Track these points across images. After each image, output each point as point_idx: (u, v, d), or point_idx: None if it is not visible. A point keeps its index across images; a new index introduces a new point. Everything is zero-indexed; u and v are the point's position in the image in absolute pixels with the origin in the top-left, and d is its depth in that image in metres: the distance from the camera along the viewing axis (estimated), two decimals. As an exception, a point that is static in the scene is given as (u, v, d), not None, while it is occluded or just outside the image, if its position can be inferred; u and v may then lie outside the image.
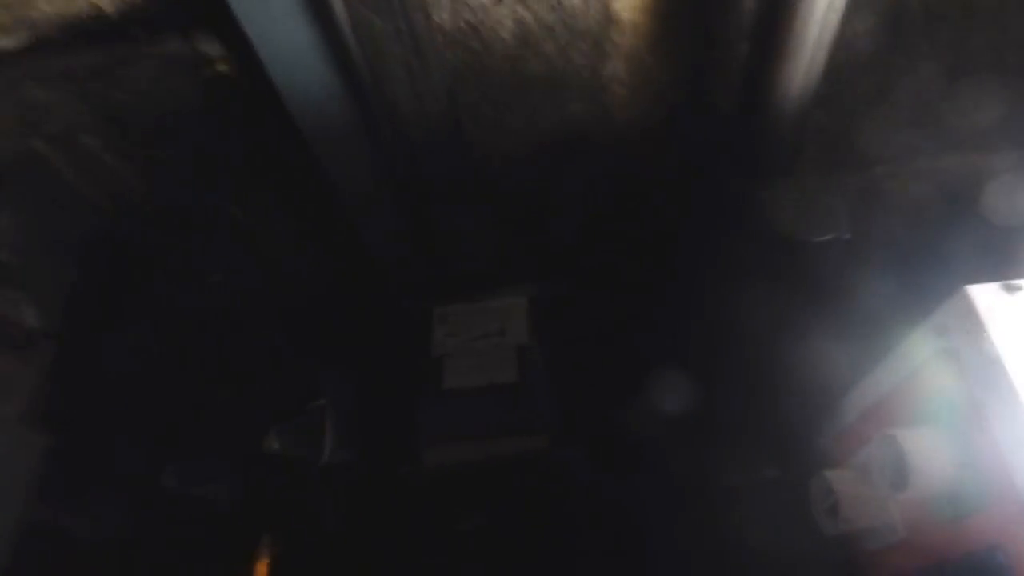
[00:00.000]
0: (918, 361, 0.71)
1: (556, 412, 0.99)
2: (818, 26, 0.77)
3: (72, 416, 0.86)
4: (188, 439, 0.90)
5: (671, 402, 1.07)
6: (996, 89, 0.91)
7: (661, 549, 1.05)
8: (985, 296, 0.63)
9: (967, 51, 0.91)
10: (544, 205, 1.06)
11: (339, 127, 0.86)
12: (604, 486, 1.02)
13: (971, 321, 0.63)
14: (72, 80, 0.83)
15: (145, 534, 0.95)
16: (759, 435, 1.06)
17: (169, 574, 1.02)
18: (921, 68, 0.92)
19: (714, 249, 0.98)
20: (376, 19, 0.81)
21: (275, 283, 1.08)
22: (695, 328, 1.03)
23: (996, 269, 0.64)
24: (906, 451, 0.65)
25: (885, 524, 0.76)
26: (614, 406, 1.06)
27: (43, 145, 0.89)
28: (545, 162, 1.04)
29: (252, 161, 0.95)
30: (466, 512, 0.97)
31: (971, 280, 0.63)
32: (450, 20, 0.84)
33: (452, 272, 1.09)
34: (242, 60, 0.82)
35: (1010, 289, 0.63)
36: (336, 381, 0.96)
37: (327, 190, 0.98)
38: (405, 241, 1.06)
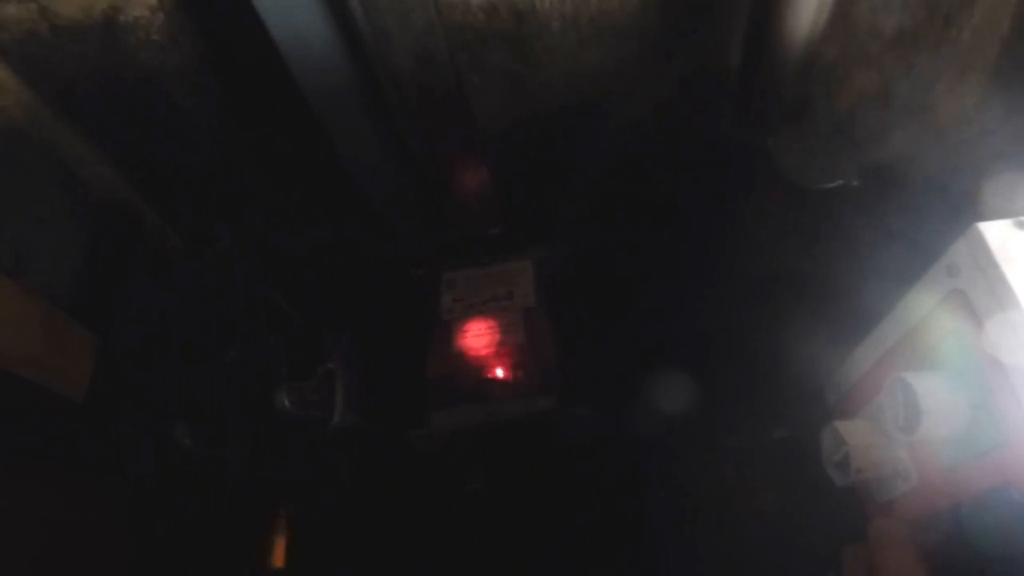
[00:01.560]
0: (929, 305, 0.70)
1: (563, 373, 0.99)
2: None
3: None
4: (199, 401, 0.91)
5: (676, 364, 1.06)
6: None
7: (667, 511, 1.05)
8: (997, 233, 0.61)
9: None
10: (550, 168, 1.05)
11: (338, 85, 0.86)
12: (611, 448, 1.02)
13: (983, 259, 0.61)
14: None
15: (160, 499, 0.97)
16: (766, 396, 1.05)
17: (186, 542, 1.04)
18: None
19: (719, 203, 0.97)
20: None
21: (280, 250, 1.08)
22: (700, 287, 1.03)
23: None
24: (917, 392, 0.65)
25: (897, 472, 0.75)
26: (620, 368, 1.06)
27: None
28: (551, 125, 1.04)
29: (251, 121, 0.95)
30: (474, 473, 0.97)
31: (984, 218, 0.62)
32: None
33: (459, 237, 1.09)
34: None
35: (1022, 225, 0.62)
36: (344, 345, 0.97)
37: (331, 154, 0.98)
38: (411, 206, 1.06)
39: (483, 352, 1.01)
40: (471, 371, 0.99)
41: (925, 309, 0.70)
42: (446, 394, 0.98)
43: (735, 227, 1.02)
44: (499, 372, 0.99)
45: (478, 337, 1.02)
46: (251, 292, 0.94)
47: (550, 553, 0.99)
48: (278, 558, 1.27)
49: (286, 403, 0.82)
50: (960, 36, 0.79)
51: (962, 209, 0.75)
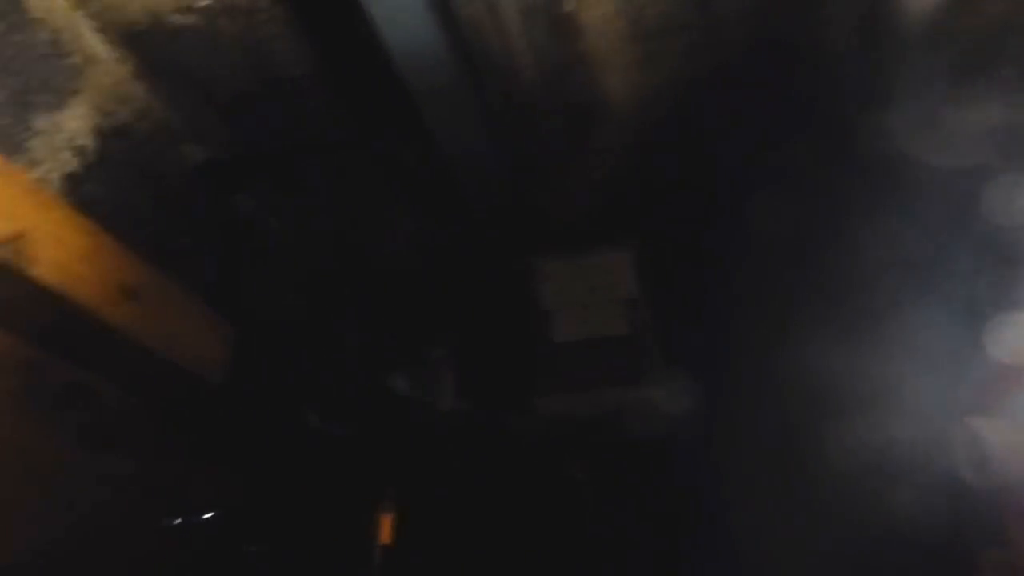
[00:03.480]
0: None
1: (667, 364, 0.98)
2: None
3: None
4: (325, 383, 0.98)
5: (790, 359, 1.02)
6: None
7: (774, 509, 1.01)
8: None
9: None
10: (648, 154, 1.04)
11: (445, 83, 0.88)
12: (715, 441, 1.00)
13: None
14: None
15: (286, 472, 1.04)
16: (884, 393, 1.00)
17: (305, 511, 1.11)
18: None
19: (827, 183, 0.92)
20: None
21: (388, 245, 1.13)
22: (807, 275, 0.98)
23: None
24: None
25: (1044, 474, 0.70)
26: (727, 362, 1.04)
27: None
28: (650, 108, 1.02)
29: (360, 123, 0.99)
30: (576, 460, 0.98)
31: None
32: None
33: (559, 229, 1.10)
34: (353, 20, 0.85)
35: None
36: (452, 334, 1.01)
37: (438, 153, 1.01)
38: (513, 200, 1.08)
39: (584, 341, 1.02)
40: (573, 360, 1.01)
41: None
42: (549, 382, 1.00)
43: (849, 213, 0.97)
44: (602, 362, 0.99)
45: (579, 327, 1.03)
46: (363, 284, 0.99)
47: (656, 542, 0.99)
48: (384, 535, 1.34)
49: (402, 386, 0.87)
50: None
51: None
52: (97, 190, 0.94)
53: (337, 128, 1.05)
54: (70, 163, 0.91)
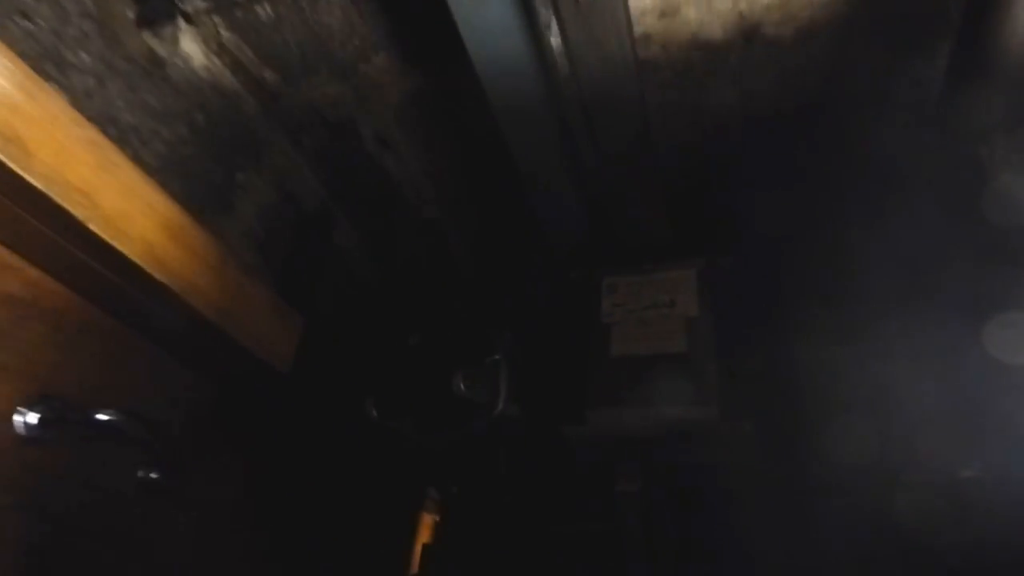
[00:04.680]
0: None
1: (724, 384, 0.97)
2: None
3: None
4: (385, 378, 1.00)
5: (850, 387, 1.00)
6: None
7: (829, 541, 0.99)
8: None
9: None
10: (718, 174, 1.04)
11: (528, 97, 0.91)
12: (771, 465, 0.99)
13: None
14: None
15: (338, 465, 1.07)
16: (952, 428, 0.96)
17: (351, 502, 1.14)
18: None
19: (907, 223, 0.91)
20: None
21: (452, 252, 1.16)
22: (874, 305, 0.96)
23: None
24: None
25: None
26: (785, 385, 1.02)
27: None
28: (722, 133, 1.03)
29: (435, 127, 1.02)
30: (627, 474, 0.98)
31: None
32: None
33: (622, 243, 1.11)
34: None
35: None
36: (508, 341, 1.02)
37: (508, 164, 1.04)
38: (578, 213, 1.10)
39: (642, 357, 1.01)
40: (629, 375, 1.00)
41: None
42: (603, 395, 1.00)
43: (928, 247, 0.95)
44: (658, 378, 0.99)
45: (637, 342, 1.03)
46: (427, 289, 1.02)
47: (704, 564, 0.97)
48: (425, 535, 1.36)
49: (461, 386, 0.89)
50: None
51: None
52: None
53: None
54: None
